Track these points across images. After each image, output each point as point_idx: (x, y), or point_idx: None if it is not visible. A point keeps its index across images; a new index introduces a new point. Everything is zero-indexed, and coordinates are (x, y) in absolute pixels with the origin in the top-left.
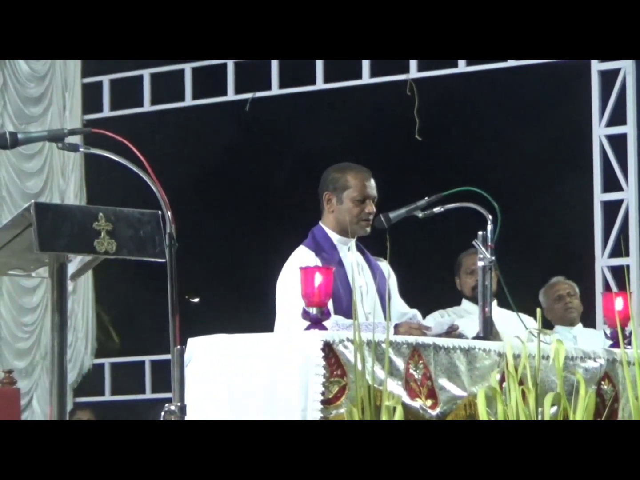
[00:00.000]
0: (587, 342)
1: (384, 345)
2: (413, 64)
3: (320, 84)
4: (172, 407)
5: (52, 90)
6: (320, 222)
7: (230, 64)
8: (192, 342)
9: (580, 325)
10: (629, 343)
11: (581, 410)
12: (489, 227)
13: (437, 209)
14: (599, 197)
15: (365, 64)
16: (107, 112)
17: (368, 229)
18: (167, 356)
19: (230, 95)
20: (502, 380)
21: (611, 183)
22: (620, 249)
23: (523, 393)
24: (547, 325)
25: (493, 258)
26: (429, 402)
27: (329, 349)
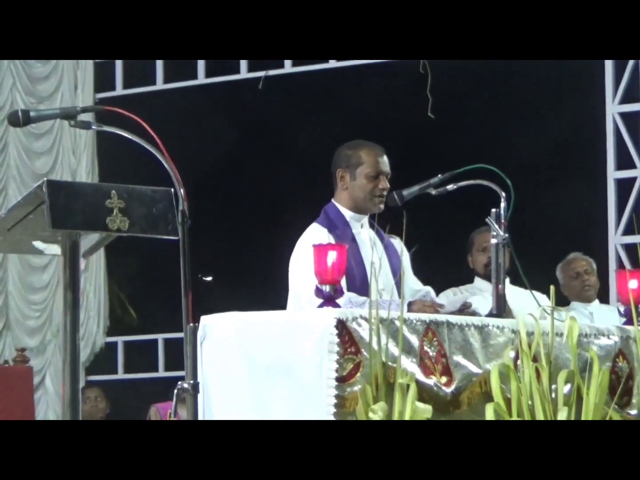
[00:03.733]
0: (604, 319)
1: (397, 323)
2: None
3: (333, 62)
4: (185, 385)
5: (64, 69)
6: (332, 200)
7: None
8: (205, 319)
9: (597, 301)
10: None
11: (595, 388)
12: (502, 204)
13: (450, 187)
14: (613, 174)
15: None
16: (119, 91)
17: (382, 206)
18: (180, 334)
19: (243, 74)
20: (516, 357)
21: (625, 160)
22: (634, 226)
23: (537, 370)
24: (564, 301)
25: (506, 235)
26: (444, 379)
27: (342, 327)
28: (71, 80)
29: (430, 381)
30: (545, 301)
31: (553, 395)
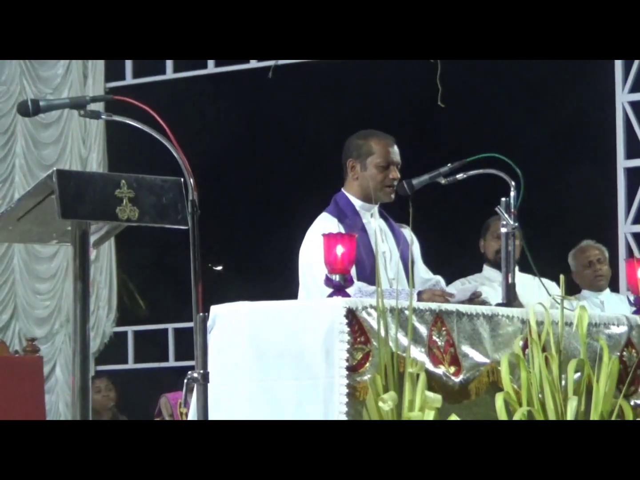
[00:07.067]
0: (615, 308)
1: (407, 312)
2: None
3: None
4: (195, 375)
5: None
6: (342, 189)
7: None
8: (215, 309)
9: (607, 290)
10: None
11: (604, 377)
12: (512, 193)
13: (460, 176)
14: (622, 163)
15: None
16: (129, 80)
17: (392, 196)
18: (191, 324)
19: (253, 63)
20: (525, 347)
21: (634, 149)
22: None
23: (546, 360)
24: (575, 288)
25: (516, 224)
26: (452, 369)
27: (352, 316)
28: (80, 70)
29: (439, 371)
30: (555, 289)
31: (562, 384)
